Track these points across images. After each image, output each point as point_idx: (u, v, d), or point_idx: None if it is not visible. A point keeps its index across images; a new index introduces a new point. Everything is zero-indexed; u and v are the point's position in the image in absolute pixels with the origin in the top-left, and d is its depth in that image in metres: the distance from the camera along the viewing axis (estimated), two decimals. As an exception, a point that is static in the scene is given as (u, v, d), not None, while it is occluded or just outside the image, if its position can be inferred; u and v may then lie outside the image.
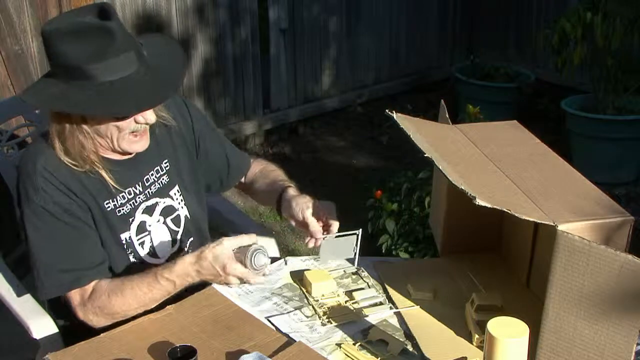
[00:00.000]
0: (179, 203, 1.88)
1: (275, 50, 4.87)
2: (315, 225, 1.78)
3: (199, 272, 1.63)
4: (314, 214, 1.80)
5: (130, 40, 1.61)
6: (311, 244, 1.82)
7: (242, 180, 2.10)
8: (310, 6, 4.94)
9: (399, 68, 5.58)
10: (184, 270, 1.63)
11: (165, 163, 1.85)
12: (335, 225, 1.80)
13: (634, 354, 1.37)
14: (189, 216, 1.89)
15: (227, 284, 1.65)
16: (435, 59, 5.75)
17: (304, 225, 1.81)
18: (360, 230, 1.79)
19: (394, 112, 1.64)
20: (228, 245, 1.61)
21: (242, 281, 1.63)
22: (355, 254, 1.81)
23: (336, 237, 1.78)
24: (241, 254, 1.61)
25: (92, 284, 1.68)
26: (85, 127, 1.64)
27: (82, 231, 1.68)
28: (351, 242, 1.79)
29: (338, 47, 5.19)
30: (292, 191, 1.90)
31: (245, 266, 1.60)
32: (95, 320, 1.68)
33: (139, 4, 4.22)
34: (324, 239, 1.78)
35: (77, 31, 1.55)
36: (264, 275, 1.64)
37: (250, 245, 1.61)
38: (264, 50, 4.83)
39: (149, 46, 1.69)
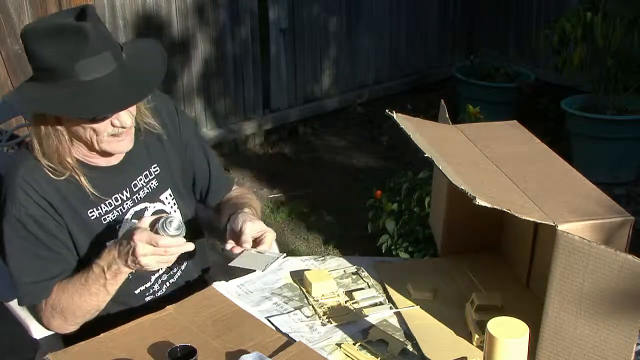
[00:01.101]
0: (172, 207, 1.86)
1: (275, 50, 4.87)
2: (247, 236, 1.70)
3: (119, 253, 1.59)
4: (251, 230, 1.71)
5: (106, 41, 1.58)
6: (229, 246, 1.72)
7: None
8: (310, 6, 4.94)
9: (399, 68, 5.58)
10: (109, 254, 1.61)
11: (154, 167, 1.83)
12: (265, 245, 1.72)
13: (634, 354, 1.37)
14: (182, 220, 1.87)
15: (134, 256, 1.56)
16: (435, 59, 5.76)
17: (236, 235, 1.73)
18: (285, 254, 1.75)
19: (394, 112, 1.64)
20: (145, 220, 1.60)
21: (151, 250, 1.56)
22: (266, 265, 1.69)
23: (257, 251, 1.71)
24: (155, 226, 1.58)
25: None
26: (60, 129, 1.62)
27: (53, 247, 1.67)
28: (269, 259, 1.70)
29: (338, 47, 5.19)
30: (246, 209, 1.84)
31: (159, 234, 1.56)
32: (54, 323, 1.69)
33: (139, 4, 4.22)
34: (247, 249, 1.70)
35: (51, 32, 1.54)
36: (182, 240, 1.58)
37: (160, 216, 1.59)
38: (264, 50, 4.83)
39: (133, 49, 1.67)
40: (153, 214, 1.80)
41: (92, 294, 1.65)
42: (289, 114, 5.04)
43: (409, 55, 5.61)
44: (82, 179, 1.68)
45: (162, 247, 1.57)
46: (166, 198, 1.85)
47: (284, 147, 4.94)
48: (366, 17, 5.26)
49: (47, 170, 1.65)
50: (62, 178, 1.67)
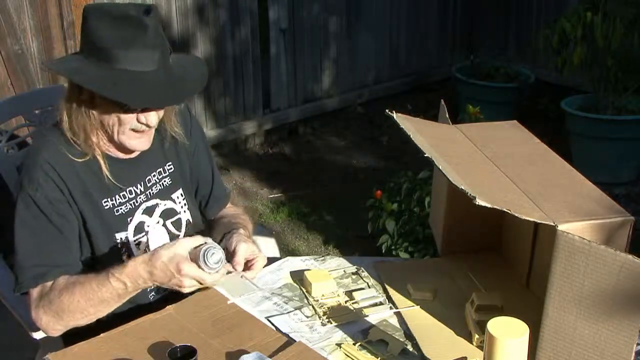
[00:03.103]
0: (182, 207, 1.87)
1: (275, 50, 4.87)
2: (240, 258, 1.70)
3: (151, 274, 1.57)
4: (245, 252, 1.72)
5: (160, 41, 1.62)
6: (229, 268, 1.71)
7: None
8: (310, 6, 4.94)
9: (399, 68, 5.58)
10: (135, 270, 1.57)
11: (169, 165, 1.85)
12: (254, 272, 1.73)
13: (634, 354, 1.37)
14: (190, 220, 1.89)
15: (179, 287, 1.58)
16: (435, 59, 5.76)
17: (229, 255, 1.72)
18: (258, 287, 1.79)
19: (394, 112, 1.64)
20: (185, 244, 1.57)
21: (196, 283, 1.58)
22: (240, 295, 1.75)
23: (243, 276, 1.72)
24: (194, 254, 1.56)
25: (52, 281, 1.65)
26: (92, 112, 1.64)
27: (63, 231, 1.67)
28: (248, 289, 1.75)
29: (338, 47, 5.19)
30: (241, 230, 1.84)
31: (199, 266, 1.55)
32: (44, 320, 1.63)
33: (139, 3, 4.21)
34: (237, 272, 1.70)
35: (114, 16, 1.59)
36: (217, 272, 1.57)
37: (202, 245, 1.57)
38: (264, 50, 4.83)
39: (180, 59, 1.72)
40: (184, 235, 1.83)
41: (103, 301, 1.62)
42: (289, 114, 5.04)
43: (409, 55, 5.61)
44: (102, 162, 1.70)
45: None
46: (177, 197, 1.86)
47: (284, 147, 4.94)
48: (366, 17, 5.26)
49: (68, 152, 1.66)
50: (83, 160, 1.68)
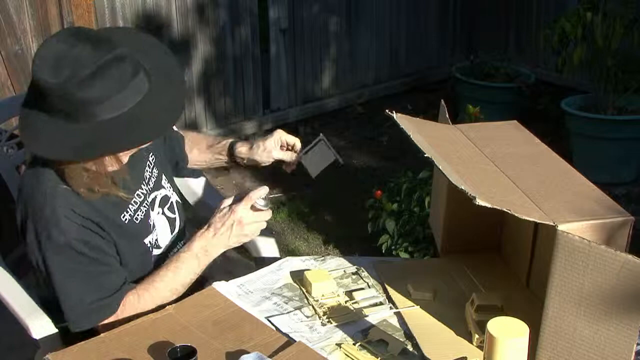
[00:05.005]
0: (169, 190, 1.90)
1: (275, 50, 4.87)
2: (288, 155, 1.99)
3: (215, 231, 1.69)
4: (277, 149, 2.00)
5: (135, 57, 1.55)
6: (289, 169, 2.04)
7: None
8: (310, 6, 4.94)
9: (399, 68, 5.58)
10: (201, 237, 1.70)
11: (151, 156, 1.87)
12: (297, 142, 2.00)
13: (634, 354, 1.37)
14: (179, 201, 1.93)
15: (245, 233, 1.70)
16: (435, 59, 5.76)
17: (278, 162, 2.01)
18: (322, 134, 1.97)
19: (394, 112, 1.64)
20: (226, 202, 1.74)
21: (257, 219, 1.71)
22: (334, 154, 1.95)
23: (306, 152, 1.97)
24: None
25: (122, 303, 1.68)
26: (103, 164, 1.61)
27: (106, 262, 1.66)
28: (324, 148, 1.91)
29: (338, 47, 5.19)
30: (241, 144, 2.04)
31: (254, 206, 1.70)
32: None
33: (139, 3, 4.22)
34: (300, 160, 1.98)
35: (95, 73, 1.47)
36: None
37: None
38: (264, 50, 4.83)
39: (147, 59, 1.62)
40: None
41: (186, 282, 1.72)
42: (289, 113, 5.04)
43: (409, 55, 5.61)
44: (118, 192, 1.68)
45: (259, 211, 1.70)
46: (165, 183, 1.90)
47: (284, 147, 4.94)
48: (366, 17, 5.26)
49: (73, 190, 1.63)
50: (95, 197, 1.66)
